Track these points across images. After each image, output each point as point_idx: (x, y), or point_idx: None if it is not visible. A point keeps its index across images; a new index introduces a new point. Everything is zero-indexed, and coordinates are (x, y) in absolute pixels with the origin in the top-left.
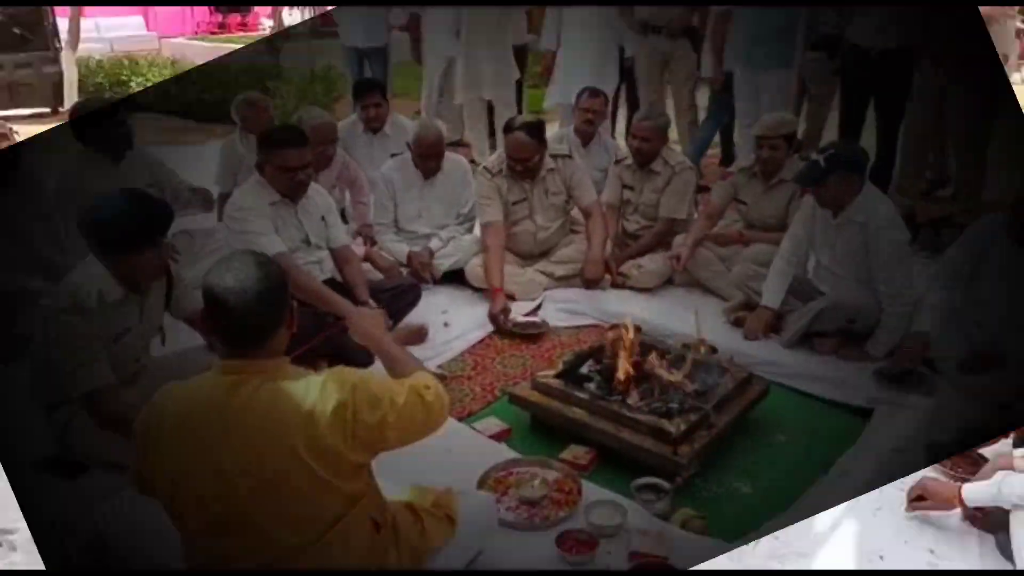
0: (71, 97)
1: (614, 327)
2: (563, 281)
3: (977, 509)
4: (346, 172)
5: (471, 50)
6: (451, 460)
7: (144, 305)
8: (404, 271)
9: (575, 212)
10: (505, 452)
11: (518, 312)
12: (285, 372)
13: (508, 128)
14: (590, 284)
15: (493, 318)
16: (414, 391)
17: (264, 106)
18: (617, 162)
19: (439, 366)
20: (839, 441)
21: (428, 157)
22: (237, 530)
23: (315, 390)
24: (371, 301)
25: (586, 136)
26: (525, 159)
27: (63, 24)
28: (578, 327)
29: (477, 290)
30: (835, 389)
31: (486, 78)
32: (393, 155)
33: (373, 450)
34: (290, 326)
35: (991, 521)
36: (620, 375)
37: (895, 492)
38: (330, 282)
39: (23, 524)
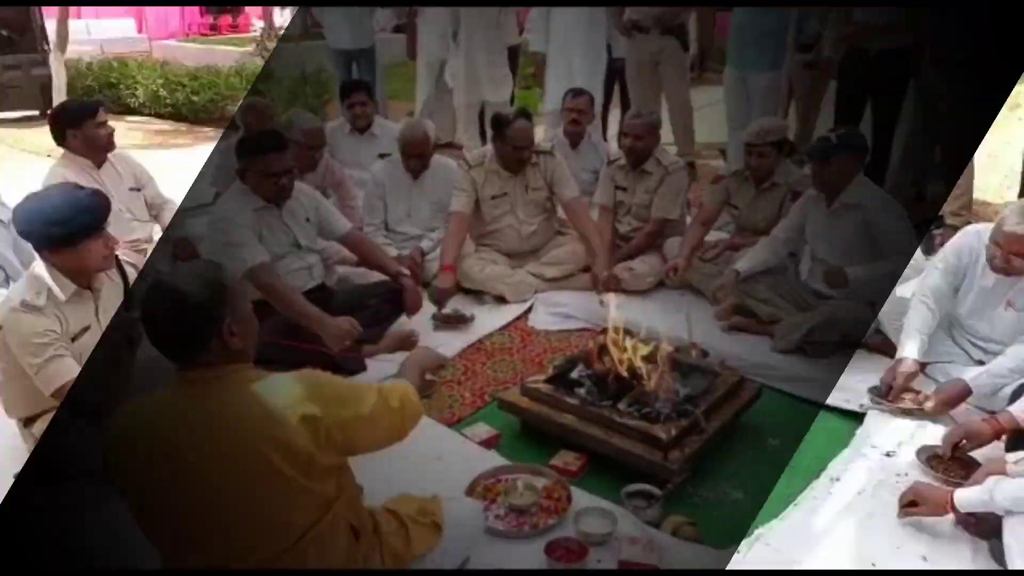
0: (59, 99)
1: (605, 331)
2: (554, 283)
3: (970, 515)
4: (331, 175)
5: (469, 52)
6: (440, 467)
7: (99, 302)
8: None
9: (562, 213)
10: (494, 458)
11: (498, 312)
12: (247, 376)
13: (508, 120)
14: (606, 287)
15: (441, 293)
16: (381, 395)
17: (268, 112)
18: (610, 163)
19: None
20: (831, 445)
21: (413, 156)
22: (211, 539)
23: (283, 392)
24: (404, 270)
25: (574, 137)
26: (529, 144)
27: (51, 26)
28: (569, 331)
29: (468, 292)
30: (827, 393)
31: (484, 80)
32: (381, 155)
33: (343, 452)
34: (232, 337)
35: (984, 527)
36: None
37: (887, 497)
38: (320, 288)
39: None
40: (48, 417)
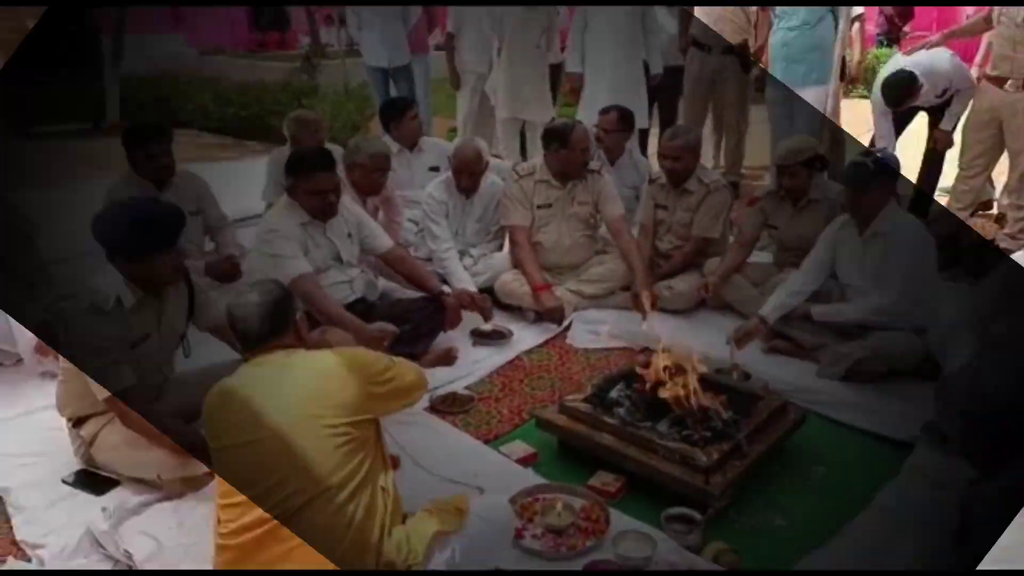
0: (112, 113)
1: (645, 350)
2: (593, 300)
3: None
4: (384, 191)
5: (511, 70)
6: (477, 484)
7: (162, 312)
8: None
9: (604, 232)
10: (532, 477)
11: (537, 328)
12: (305, 351)
13: (568, 129)
14: (645, 308)
15: (554, 312)
16: (404, 363)
17: (316, 124)
18: (651, 181)
19: (467, 387)
20: (879, 474)
21: (466, 174)
22: (275, 475)
23: (331, 358)
24: (445, 287)
25: (607, 153)
26: (588, 148)
27: (106, 42)
28: (608, 349)
29: (507, 308)
30: (875, 420)
31: (526, 99)
32: (431, 168)
33: (378, 402)
34: (301, 325)
35: None
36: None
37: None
38: (361, 302)
39: (53, 538)
40: (98, 420)
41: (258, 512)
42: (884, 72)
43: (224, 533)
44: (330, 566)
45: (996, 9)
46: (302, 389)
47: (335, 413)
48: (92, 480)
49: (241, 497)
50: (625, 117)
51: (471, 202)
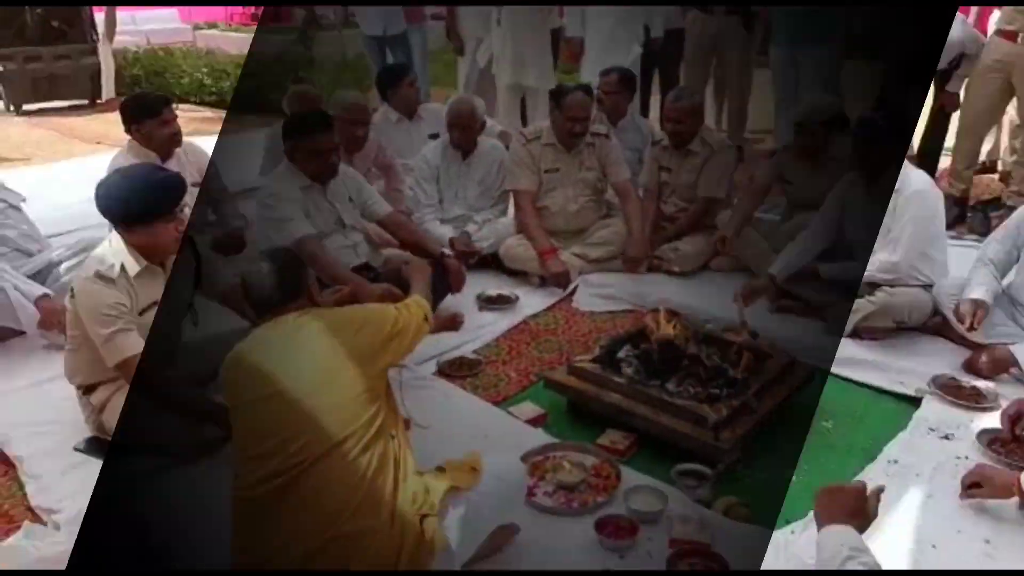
0: (108, 88)
1: (652, 312)
2: (598, 264)
3: None
4: (382, 157)
5: (513, 36)
6: (487, 444)
7: (169, 281)
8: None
9: (611, 196)
10: (542, 437)
11: (543, 292)
12: (319, 310)
13: (564, 92)
14: (633, 265)
15: (560, 276)
16: (409, 307)
17: (317, 101)
18: (654, 144)
19: (474, 351)
20: (887, 428)
21: (460, 128)
22: (289, 422)
23: (348, 311)
24: (447, 250)
25: (611, 116)
26: (585, 118)
27: (100, 17)
28: (614, 312)
29: (512, 273)
30: (881, 376)
31: (527, 66)
32: (431, 136)
33: (393, 350)
34: (310, 299)
35: None
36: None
37: (947, 480)
38: (366, 267)
39: (68, 503)
40: (108, 387)
41: (276, 462)
42: None
43: (243, 486)
44: (346, 512)
45: None
46: (318, 345)
47: (351, 365)
48: (104, 447)
49: (260, 450)
50: (626, 79)
51: (469, 164)
